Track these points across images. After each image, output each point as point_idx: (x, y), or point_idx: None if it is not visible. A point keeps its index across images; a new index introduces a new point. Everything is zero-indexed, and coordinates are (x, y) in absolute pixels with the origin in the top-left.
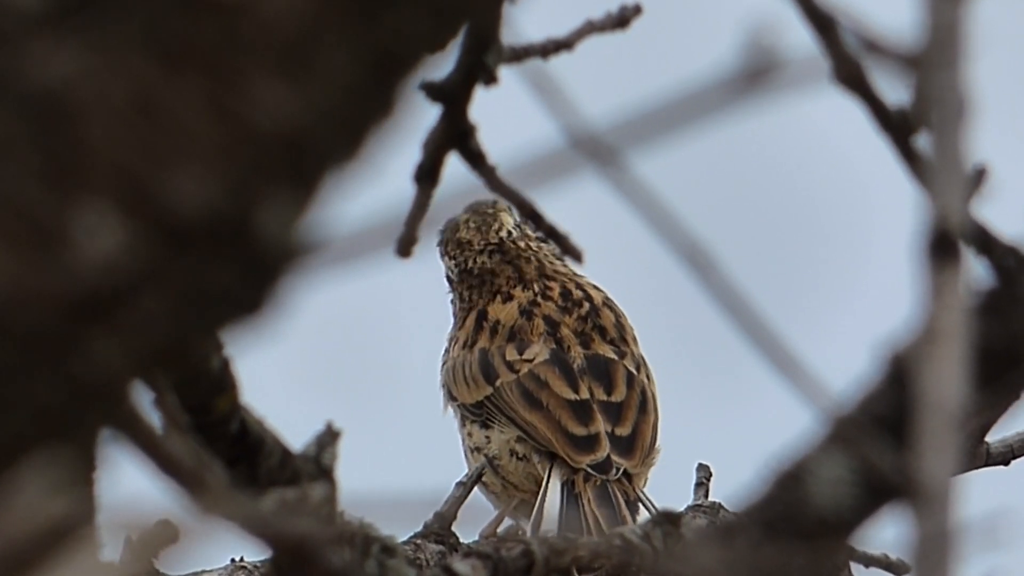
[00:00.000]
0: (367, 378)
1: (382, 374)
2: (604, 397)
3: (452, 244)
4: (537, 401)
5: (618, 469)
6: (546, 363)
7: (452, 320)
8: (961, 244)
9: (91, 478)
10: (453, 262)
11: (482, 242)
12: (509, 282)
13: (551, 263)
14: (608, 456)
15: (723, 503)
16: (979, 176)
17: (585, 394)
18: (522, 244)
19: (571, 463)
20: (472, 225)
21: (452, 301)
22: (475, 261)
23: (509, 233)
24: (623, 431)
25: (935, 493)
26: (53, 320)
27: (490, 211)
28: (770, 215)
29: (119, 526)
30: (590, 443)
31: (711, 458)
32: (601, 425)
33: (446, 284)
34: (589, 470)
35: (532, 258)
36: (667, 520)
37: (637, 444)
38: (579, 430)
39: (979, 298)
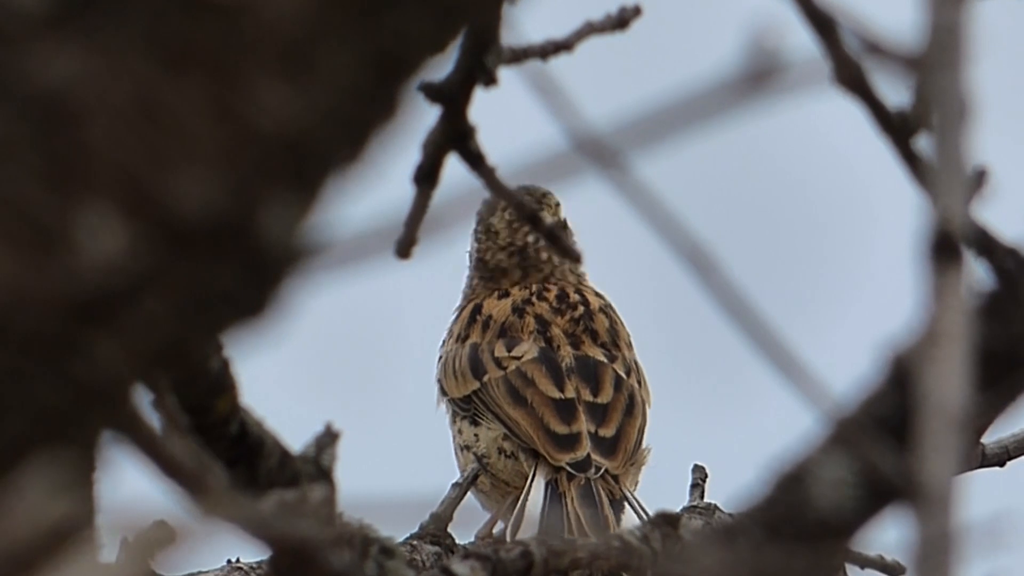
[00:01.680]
0: (367, 380)
1: (382, 376)
2: (590, 398)
3: (482, 227)
4: (522, 398)
5: (598, 469)
6: (534, 361)
7: (461, 297)
8: (962, 246)
9: (92, 480)
10: (476, 247)
11: (506, 239)
12: (513, 284)
13: (563, 275)
14: (588, 455)
15: (719, 504)
16: (980, 178)
17: (571, 393)
18: (544, 256)
19: (550, 460)
20: (506, 217)
21: (466, 280)
22: (493, 255)
23: (537, 239)
24: (607, 432)
25: (936, 495)
26: (55, 322)
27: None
28: (772, 217)
29: (120, 527)
30: (570, 441)
31: (712, 459)
32: (584, 425)
33: (467, 261)
34: (568, 468)
35: (544, 268)
36: (666, 522)
37: (620, 446)
38: (561, 428)
39: (980, 300)
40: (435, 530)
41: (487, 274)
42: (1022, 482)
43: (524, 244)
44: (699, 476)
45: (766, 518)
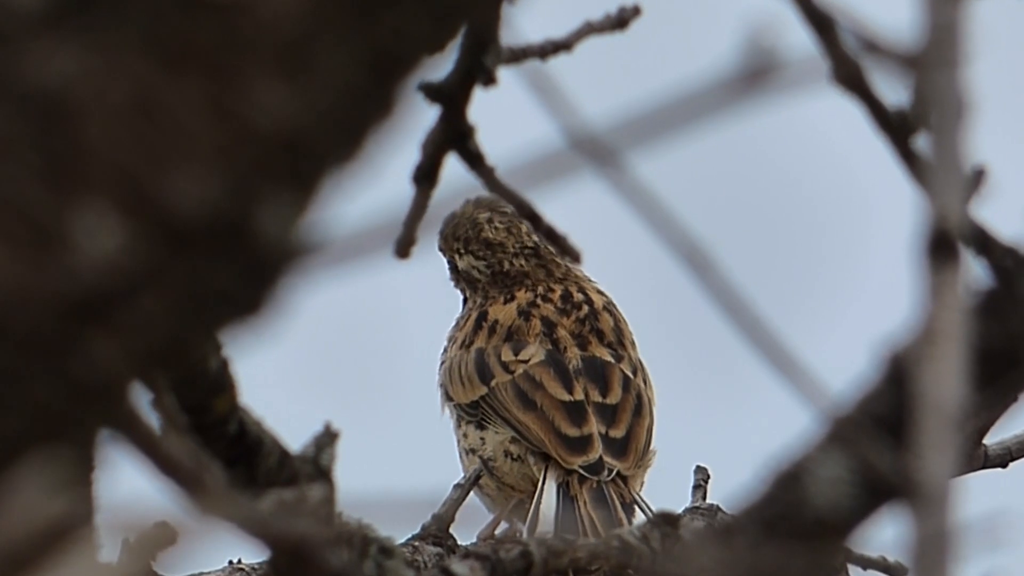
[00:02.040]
0: (365, 379)
1: (380, 375)
2: (599, 399)
3: (477, 243)
4: (531, 402)
5: (610, 471)
6: (541, 364)
7: (461, 314)
8: (960, 245)
9: (90, 478)
10: (483, 263)
11: (517, 244)
12: (539, 283)
13: (568, 266)
14: (600, 457)
15: (721, 505)
16: (978, 176)
17: (580, 395)
18: (550, 247)
19: (563, 464)
20: (499, 226)
21: (469, 297)
22: (511, 263)
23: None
24: (617, 433)
25: (934, 493)
26: (52, 320)
27: (510, 210)
28: (769, 215)
29: (118, 527)
30: (582, 444)
31: (710, 458)
32: (594, 426)
33: (452, 279)
34: (581, 471)
35: (561, 264)
36: (665, 521)
37: (631, 446)
38: (572, 431)
39: (978, 298)
40: (437, 531)
41: (508, 283)
42: None
43: (535, 243)
44: (701, 477)
45: (764, 517)
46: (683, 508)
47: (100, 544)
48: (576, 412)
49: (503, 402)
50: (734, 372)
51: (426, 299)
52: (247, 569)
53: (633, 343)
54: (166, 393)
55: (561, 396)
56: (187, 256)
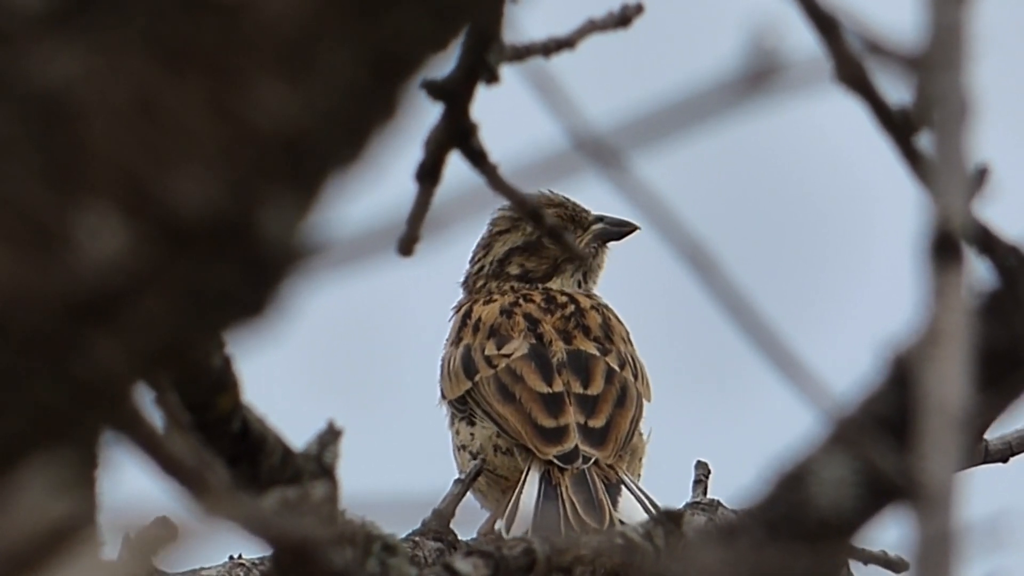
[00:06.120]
0: (368, 377)
1: (383, 374)
2: (581, 390)
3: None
4: (511, 395)
5: (586, 459)
6: (523, 357)
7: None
8: (963, 245)
9: (93, 478)
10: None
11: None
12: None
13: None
14: (576, 447)
15: (721, 500)
16: (981, 176)
17: (559, 387)
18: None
19: (538, 454)
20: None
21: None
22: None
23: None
24: (596, 423)
25: (937, 494)
26: (55, 321)
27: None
28: (772, 216)
29: (121, 526)
30: (558, 434)
31: (713, 458)
32: (572, 417)
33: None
34: (556, 461)
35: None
36: (669, 519)
37: (611, 436)
38: (548, 422)
39: (981, 299)
40: (437, 526)
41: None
42: None
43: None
44: (702, 472)
45: (767, 517)
46: (684, 503)
47: (102, 543)
48: (554, 403)
49: (485, 396)
50: (737, 373)
51: (429, 298)
52: (247, 565)
53: (626, 340)
54: (169, 391)
55: (540, 388)
56: (189, 256)
